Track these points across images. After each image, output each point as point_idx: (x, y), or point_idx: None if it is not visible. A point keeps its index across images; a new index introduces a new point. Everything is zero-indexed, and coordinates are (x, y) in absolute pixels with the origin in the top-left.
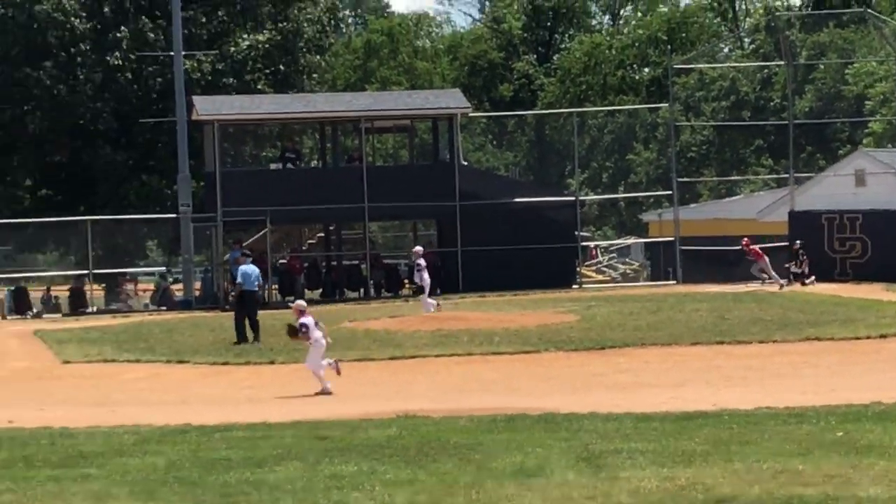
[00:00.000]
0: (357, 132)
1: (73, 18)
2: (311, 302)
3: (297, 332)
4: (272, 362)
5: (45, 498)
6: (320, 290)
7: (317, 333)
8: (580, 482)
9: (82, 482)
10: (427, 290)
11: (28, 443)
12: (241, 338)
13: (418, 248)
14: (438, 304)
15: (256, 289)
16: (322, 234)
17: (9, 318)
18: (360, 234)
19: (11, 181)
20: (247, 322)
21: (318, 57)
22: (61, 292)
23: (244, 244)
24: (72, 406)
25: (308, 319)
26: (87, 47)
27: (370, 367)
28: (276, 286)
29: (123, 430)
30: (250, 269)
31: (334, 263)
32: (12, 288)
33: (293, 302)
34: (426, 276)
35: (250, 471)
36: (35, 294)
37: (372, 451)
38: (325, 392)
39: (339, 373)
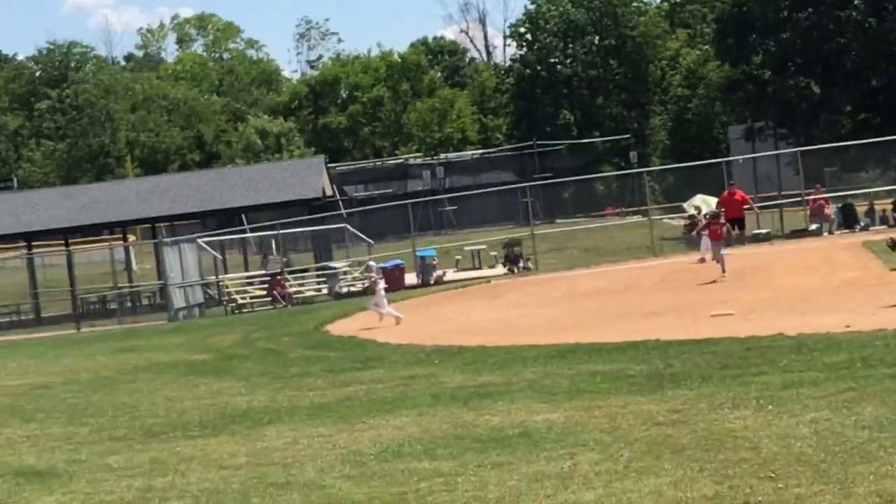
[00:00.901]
0: None
1: None
2: None
3: None
4: None
5: (883, 394)
6: None
7: None
8: None
9: None
10: None
11: (865, 345)
12: None
13: None
14: None
15: None
16: None
17: (837, 232)
18: None
19: (832, 109)
20: None
21: None
22: (885, 205)
23: None
24: None
25: None
26: None
27: None
28: None
29: None
30: None
31: None
32: (840, 205)
33: None
34: None
35: None
36: (860, 209)
37: None
38: None
39: None
